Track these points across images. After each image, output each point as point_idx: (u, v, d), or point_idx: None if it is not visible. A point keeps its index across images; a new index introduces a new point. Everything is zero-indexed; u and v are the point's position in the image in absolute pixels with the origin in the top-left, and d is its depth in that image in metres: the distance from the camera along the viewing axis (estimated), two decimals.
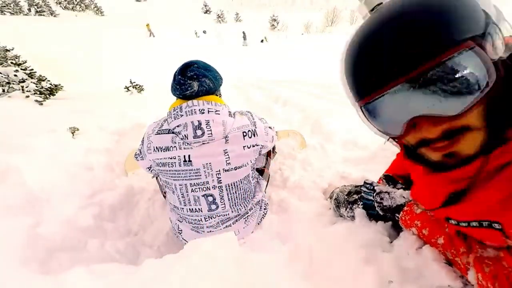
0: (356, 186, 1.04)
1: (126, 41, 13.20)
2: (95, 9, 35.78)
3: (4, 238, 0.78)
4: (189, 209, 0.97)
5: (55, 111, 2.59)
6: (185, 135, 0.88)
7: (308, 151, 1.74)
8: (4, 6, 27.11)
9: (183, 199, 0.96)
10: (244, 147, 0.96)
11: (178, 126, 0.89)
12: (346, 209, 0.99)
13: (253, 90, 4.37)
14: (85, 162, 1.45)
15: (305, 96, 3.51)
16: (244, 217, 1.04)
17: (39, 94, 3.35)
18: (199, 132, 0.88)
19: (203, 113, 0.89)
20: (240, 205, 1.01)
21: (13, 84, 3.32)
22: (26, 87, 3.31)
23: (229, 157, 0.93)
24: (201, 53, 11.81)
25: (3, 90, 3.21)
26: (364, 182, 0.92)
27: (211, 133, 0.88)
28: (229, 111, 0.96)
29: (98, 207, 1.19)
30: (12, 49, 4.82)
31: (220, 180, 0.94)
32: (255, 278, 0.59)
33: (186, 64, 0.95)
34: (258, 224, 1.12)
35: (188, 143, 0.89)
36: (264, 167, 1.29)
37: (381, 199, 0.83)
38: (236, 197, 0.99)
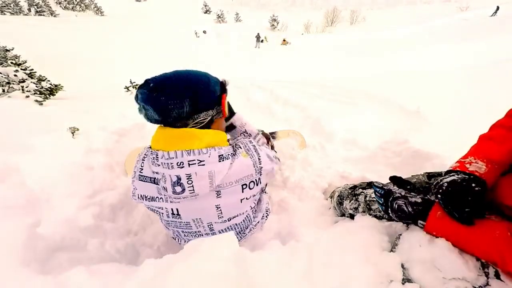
0: (362, 183, 1.04)
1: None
2: (95, 9, 35.77)
3: (4, 238, 0.78)
4: (185, 242, 0.90)
5: (55, 111, 2.59)
6: (164, 187, 0.74)
7: (308, 151, 1.73)
8: (4, 6, 27.12)
9: (178, 238, 0.90)
10: (241, 200, 0.81)
11: (157, 173, 0.75)
12: (350, 201, 0.99)
13: (253, 90, 4.37)
14: (85, 162, 1.45)
15: (305, 96, 3.51)
16: (242, 240, 0.98)
17: (39, 94, 3.36)
18: (178, 189, 0.72)
19: (182, 167, 0.71)
20: (236, 236, 0.92)
21: (13, 84, 3.33)
22: (26, 87, 3.32)
23: (221, 212, 0.80)
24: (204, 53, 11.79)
25: (3, 90, 3.22)
26: (373, 185, 0.84)
27: (193, 190, 0.72)
28: (219, 155, 0.74)
29: (98, 207, 1.19)
30: (12, 49, 4.83)
31: (213, 229, 0.84)
32: (255, 278, 0.59)
33: (145, 81, 0.75)
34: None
35: (175, 196, 0.75)
36: None
37: (398, 206, 0.75)
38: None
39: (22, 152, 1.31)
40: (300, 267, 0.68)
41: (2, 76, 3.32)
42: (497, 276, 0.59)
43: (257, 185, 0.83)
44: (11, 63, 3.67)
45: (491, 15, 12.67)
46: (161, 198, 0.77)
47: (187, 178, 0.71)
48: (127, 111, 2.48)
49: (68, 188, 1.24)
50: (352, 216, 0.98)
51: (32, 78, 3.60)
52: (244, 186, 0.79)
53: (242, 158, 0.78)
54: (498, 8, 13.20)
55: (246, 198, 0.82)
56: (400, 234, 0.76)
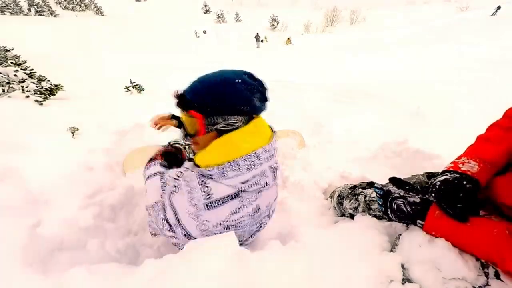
0: (362, 183, 1.04)
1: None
2: (95, 9, 35.77)
3: (4, 238, 0.78)
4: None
5: (55, 111, 2.59)
6: (265, 183, 0.72)
7: (308, 151, 1.74)
8: (4, 6, 27.13)
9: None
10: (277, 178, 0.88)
11: (253, 177, 0.68)
12: (350, 201, 0.99)
13: None
14: (85, 162, 1.45)
15: (305, 96, 3.51)
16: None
17: (39, 94, 3.35)
18: (276, 175, 0.78)
19: (273, 155, 0.76)
20: (263, 226, 0.96)
21: (13, 84, 3.32)
22: (26, 87, 3.31)
23: (276, 192, 0.86)
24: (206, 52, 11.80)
25: (3, 90, 3.21)
26: (374, 187, 0.87)
27: (278, 170, 0.80)
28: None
29: (98, 207, 1.19)
30: (12, 49, 4.83)
31: (269, 215, 0.88)
32: (255, 278, 0.59)
33: (248, 72, 0.76)
34: None
35: (259, 191, 0.73)
36: None
37: (397, 206, 0.77)
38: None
39: (22, 152, 1.31)
40: (300, 267, 0.68)
41: (2, 76, 3.32)
42: (497, 276, 0.59)
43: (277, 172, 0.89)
44: (11, 63, 3.67)
45: (491, 15, 12.65)
46: (244, 205, 0.70)
47: (276, 163, 0.78)
48: (127, 111, 2.48)
49: (68, 188, 1.24)
50: (352, 216, 0.99)
51: (32, 78, 3.60)
52: (275, 176, 0.86)
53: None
54: (499, 7, 13.15)
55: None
56: (400, 234, 0.76)
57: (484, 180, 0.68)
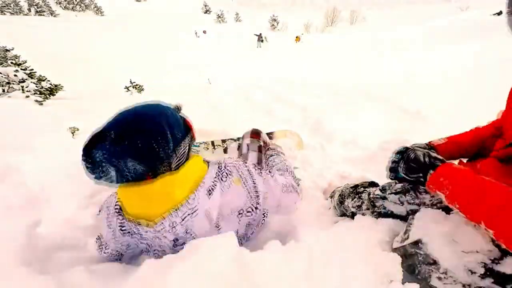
0: (363, 182, 1.05)
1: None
2: (95, 9, 35.78)
3: (4, 238, 0.78)
4: None
5: (55, 111, 2.59)
6: (160, 245, 0.68)
7: (308, 151, 1.74)
8: (4, 6, 27.15)
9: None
10: (239, 223, 0.77)
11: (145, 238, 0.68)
12: (352, 199, 0.99)
13: (253, 90, 4.37)
14: None
15: (305, 96, 3.51)
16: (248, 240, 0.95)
17: (39, 94, 3.36)
18: (179, 243, 0.67)
19: (175, 226, 0.64)
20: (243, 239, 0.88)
21: (13, 84, 3.33)
22: (26, 87, 3.32)
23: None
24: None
25: (3, 90, 3.22)
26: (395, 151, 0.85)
27: (196, 235, 0.67)
28: (207, 191, 0.66)
29: (98, 207, 1.19)
30: (12, 49, 4.83)
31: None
32: (255, 278, 0.59)
33: (96, 135, 0.60)
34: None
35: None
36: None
37: (416, 155, 0.72)
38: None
39: (22, 152, 1.31)
40: (300, 267, 0.68)
41: (2, 76, 3.32)
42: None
43: (254, 210, 0.77)
44: (11, 63, 3.68)
45: (493, 14, 12.58)
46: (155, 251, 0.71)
47: (186, 232, 0.66)
48: None
49: (68, 188, 1.24)
50: (353, 215, 0.98)
51: (32, 78, 3.61)
52: (241, 214, 0.75)
53: (234, 186, 0.71)
54: (500, 12, 13.05)
55: (244, 224, 0.79)
56: (413, 217, 0.74)
57: (444, 149, 0.88)
